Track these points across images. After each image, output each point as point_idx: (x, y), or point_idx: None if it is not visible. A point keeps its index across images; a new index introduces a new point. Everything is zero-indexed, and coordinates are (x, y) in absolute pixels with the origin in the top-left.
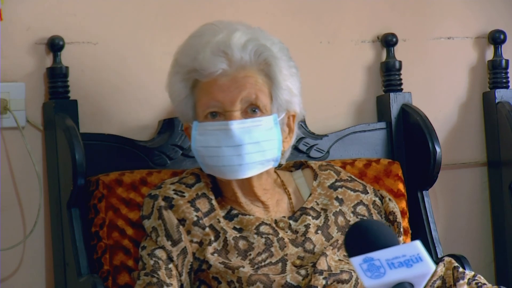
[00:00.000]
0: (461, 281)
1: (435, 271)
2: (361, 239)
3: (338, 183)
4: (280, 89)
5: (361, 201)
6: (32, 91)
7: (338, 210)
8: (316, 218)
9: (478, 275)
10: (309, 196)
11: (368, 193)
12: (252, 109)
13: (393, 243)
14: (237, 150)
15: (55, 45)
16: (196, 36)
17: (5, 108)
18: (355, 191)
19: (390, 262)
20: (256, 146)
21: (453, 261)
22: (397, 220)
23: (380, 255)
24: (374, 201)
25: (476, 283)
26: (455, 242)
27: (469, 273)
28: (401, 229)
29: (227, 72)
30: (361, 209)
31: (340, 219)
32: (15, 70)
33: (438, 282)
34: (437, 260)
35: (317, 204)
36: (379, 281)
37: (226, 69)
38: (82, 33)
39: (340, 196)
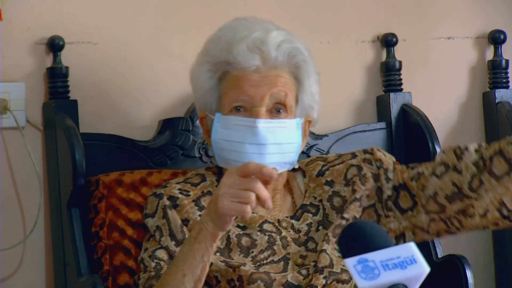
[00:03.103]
0: (467, 153)
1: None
2: (356, 240)
3: (324, 168)
4: (306, 94)
5: (351, 165)
6: (32, 91)
7: (331, 193)
8: (316, 213)
9: (484, 145)
10: (305, 193)
11: (357, 156)
12: (277, 109)
13: (388, 244)
14: (260, 148)
15: (55, 45)
16: (230, 29)
17: (5, 108)
18: (343, 162)
19: (385, 263)
20: (278, 147)
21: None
22: (383, 166)
23: (375, 257)
24: (364, 158)
25: (486, 148)
26: (455, 242)
27: (472, 145)
28: (388, 175)
29: (260, 69)
30: (351, 173)
31: (336, 200)
32: (15, 70)
33: (441, 169)
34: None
35: (315, 198)
36: (373, 283)
37: (260, 66)
38: (82, 33)
39: (329, 179)
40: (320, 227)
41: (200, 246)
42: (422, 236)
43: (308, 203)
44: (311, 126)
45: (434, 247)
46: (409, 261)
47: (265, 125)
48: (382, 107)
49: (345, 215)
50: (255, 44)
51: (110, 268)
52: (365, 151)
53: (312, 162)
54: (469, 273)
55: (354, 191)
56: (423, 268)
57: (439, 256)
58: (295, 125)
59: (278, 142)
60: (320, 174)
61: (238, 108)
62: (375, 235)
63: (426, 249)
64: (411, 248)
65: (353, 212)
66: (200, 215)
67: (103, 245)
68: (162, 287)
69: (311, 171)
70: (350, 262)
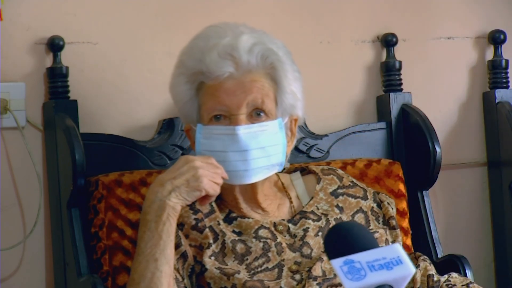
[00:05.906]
0: None
1: (414, 278)
2: (342, 241)
3: (340, 190)
4: (285, 93)
5: (361, 208)
6: (32, 91)
7: (338, 217)
8: (317, 220)
9: (453, 275)
10: (310, 200)
11: (367, 199)
12: (257, 113)
13: (374, 245)
14: (243, 155)
15: (55, 45)
16: (202, 37)
17: (5, 108)
18: (355, 197)
19: (371, 264)
20: (261, 151)
21: (429, 268)
22: (398, 240)
23: (361, 257)
24: (373, 207)
25: (447, 285)
26: (455, 242)
27: (442, 279)
28: (400, 238)
29: (234, 75)
30: (359, 217)
31: None
32: (15, 70)
33: None
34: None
35: (318, 209)
36: (359, 283)
37: (233, 72)
38: (82, 33)
39: (340, 204)
40: (320, 233)
41: (164, 227)
42: None
43: (309, 210)
44: (298, 123)
45: (434, 247)
46: (395, 262)
47: (245, 131)
48: (382, 107)
49: None
50: (226, 51)
51: (109, 268)
52: (374, 199)
53: (328, 173)
54: (469, 273)
55: None
56: (409, 269)
57: (439, 256)
58: (277, 126)
59: (261, 146)
60: (334, 194)
61: (217, 116)
62: (361, 236)
63: (426, 249)
64: (397, 249)
65: None
66: (195, 219)
67: (102, 245)
68: (137, 280)
69: (327, 184)
70: (336, 263)
